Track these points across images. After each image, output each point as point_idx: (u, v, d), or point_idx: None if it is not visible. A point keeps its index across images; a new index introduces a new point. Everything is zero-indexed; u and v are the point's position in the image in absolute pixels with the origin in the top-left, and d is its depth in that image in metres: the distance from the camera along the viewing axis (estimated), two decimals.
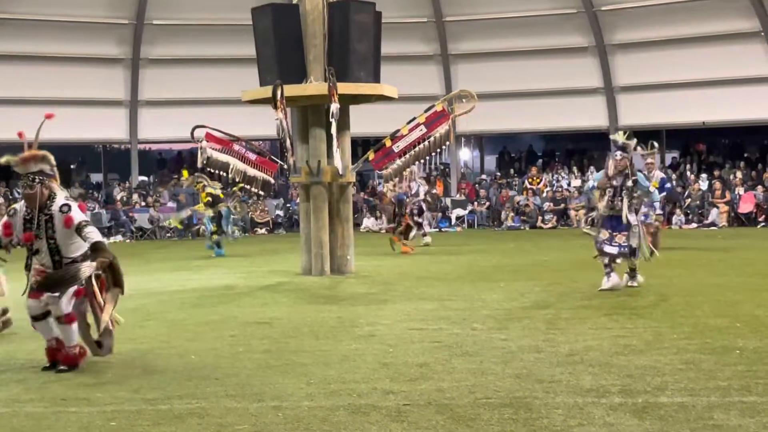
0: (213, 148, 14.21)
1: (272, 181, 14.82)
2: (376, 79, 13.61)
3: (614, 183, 10.51)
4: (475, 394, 5.71)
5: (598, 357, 6.72)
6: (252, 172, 14.36)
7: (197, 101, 26.94)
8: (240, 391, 5.96)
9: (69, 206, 6.74)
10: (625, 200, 10.44)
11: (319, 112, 13.34)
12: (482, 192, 28.08)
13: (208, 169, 14.83)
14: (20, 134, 6.86)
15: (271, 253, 17.87)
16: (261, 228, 26.13)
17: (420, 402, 5.57)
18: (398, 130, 13.69)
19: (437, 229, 25.63)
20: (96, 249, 6.70)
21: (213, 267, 15.46)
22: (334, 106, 12.71)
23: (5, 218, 6.96)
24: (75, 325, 6.85)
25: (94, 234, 6.71)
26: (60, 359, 6.83)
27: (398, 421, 5.18)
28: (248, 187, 14.76)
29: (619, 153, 10.51)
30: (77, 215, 6.73)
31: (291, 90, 12.97)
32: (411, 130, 13.58)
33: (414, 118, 13.69)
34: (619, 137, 10.62)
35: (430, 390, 5.86)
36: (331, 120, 12.84)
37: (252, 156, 14.44)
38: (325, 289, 11.83)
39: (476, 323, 8.48)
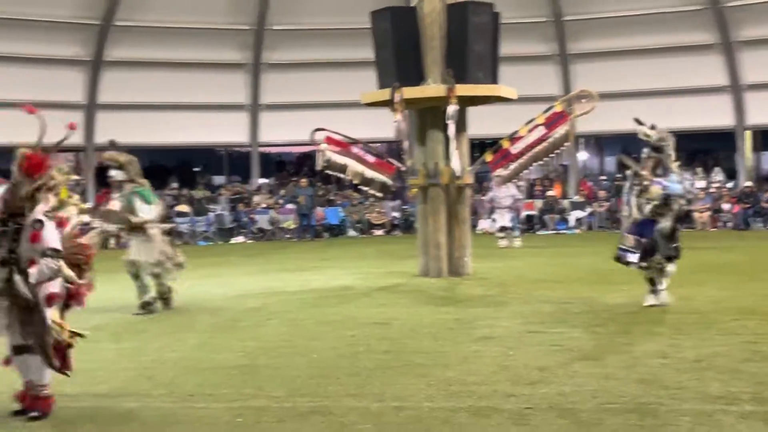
0: (332, 151, 14.37)
1: (390, 183, 14.88)
2: (494, 80, 13.52)
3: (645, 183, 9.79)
4: (598, 399, 5.61)
5: (726, 363, 6.51)
6: (370, 173, 14.47)
7: (316, 104, 27.32)
8: (361, 391, 6.03)
9: None
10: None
11: (436, 113, 13.34)
12: (601, 193, 27.53)
13: (327, 171, 14.98)
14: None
15: (388, 254, 17.97)
16: (378, 229, 26.33)
17: (542, 406, 5.51)
18: (516, 131, 13.54)
19: (554, 231, 25.31)
20: None
21: (331, 268, 15.64)
22: (452, 108, 12.69)
23: None
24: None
25: None
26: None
27: (520, 425, 5.14)
28: (366, 188, 14.88)
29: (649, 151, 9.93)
30: None
31: (409, 92, 13.03)
32: (530, 131, 13.39)
33: (533, 119, 13.50)
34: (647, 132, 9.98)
35: (551, 394, 5.79)
36: (448, 121, 12.84)
37: (370, 158, 14.55)
38: (442, 290, 11.82)
39: (597, 327, 8.34)
